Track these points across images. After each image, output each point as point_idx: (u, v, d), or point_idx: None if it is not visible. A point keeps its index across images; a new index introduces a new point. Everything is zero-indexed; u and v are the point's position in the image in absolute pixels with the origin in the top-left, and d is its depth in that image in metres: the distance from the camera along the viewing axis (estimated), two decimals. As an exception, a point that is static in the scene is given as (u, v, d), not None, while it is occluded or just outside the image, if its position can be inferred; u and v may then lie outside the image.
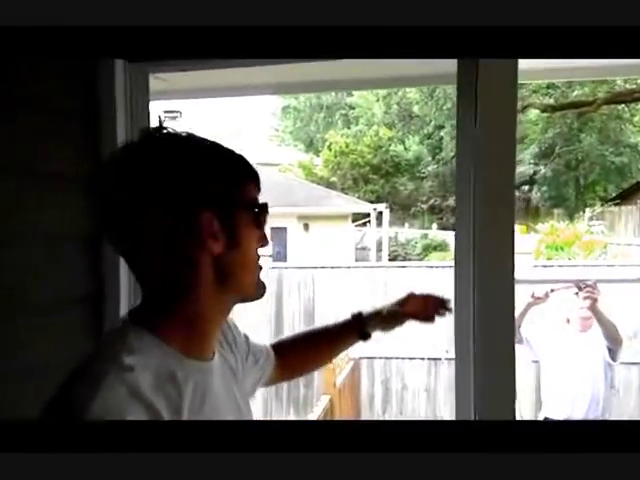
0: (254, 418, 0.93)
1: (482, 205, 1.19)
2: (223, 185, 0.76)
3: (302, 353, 1.17)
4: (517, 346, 3.22)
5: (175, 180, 0.73)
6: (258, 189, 0.82)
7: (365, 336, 1.16)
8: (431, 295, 1.22)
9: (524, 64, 1.58)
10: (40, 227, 1.24)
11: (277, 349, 1.10)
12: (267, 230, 0.84)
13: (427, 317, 1.20)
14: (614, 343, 2.89)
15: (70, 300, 1.30)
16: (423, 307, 1.20)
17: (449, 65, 1.29)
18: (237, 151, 0.81)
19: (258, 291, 0.83)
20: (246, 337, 1.00)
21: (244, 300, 0.83)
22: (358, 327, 1.16)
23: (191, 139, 0.79)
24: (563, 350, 3.01)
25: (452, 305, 1.24)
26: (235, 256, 0.77)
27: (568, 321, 3.09)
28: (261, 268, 0.83)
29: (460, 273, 1.25)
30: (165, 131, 0.78)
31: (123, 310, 1.32)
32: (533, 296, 2.98)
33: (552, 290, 3.01)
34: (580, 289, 2.91)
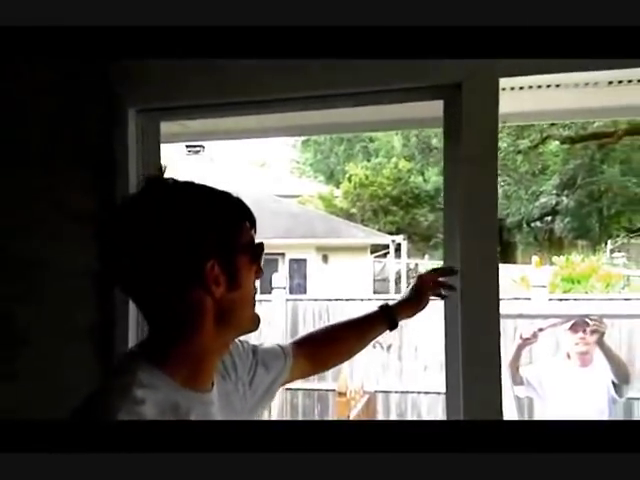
0: None
1: (468, 239, 1.26)
2: (223, 233, 0.82)
3: (332, 344, 1.22)
4: (520, 388, 3.14)
5: (179, 231, 0.79)
6: (255, 229, 0.88)
7: (393, 325, 1.23)
8: (436, 271, 1.29)
9: (534, 105, 1.66)
10: (55, 261, 1.34)
11: (305, 342, 1.16)
12: (261, 262, 0.90)
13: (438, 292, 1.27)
14: (621, 379, 2.82)
15: (81, 330, 1.39)
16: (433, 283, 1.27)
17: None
18: (233, 193, 0.87)
19: (254, 325, 0.89)
20: (254, 350, 1.05)
21: (241, 334, 0.91)
22: (386, 317, 1.22)
23: (190, 187, 0.84)
24: (566, 386, 2.94)
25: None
26: (235, 296, 0.83)
27: (569, 356, 3.02)
28: (255, 304, 0.89)
29: (449, 304, 1.31)
30: (166, 180, 0.85)
31: (131, 340, 1.40)
32: (521, 337, 2.94)
33: (540, 329, 2.96)
34: (586, 324, 2.89)
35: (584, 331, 2.90)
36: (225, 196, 0.85)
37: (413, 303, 1.24)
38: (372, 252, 13.31)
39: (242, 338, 1.00)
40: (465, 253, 1.26)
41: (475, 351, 1.24)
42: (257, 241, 0.88)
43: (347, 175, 17.97)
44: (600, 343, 2.83)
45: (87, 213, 1.40)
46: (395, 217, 17.66)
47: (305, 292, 11.46)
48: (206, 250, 0.80)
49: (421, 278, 1.28)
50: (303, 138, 21.03)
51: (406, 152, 18.26)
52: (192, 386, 0.83)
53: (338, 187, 18.73)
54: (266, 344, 1.10)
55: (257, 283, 0.90)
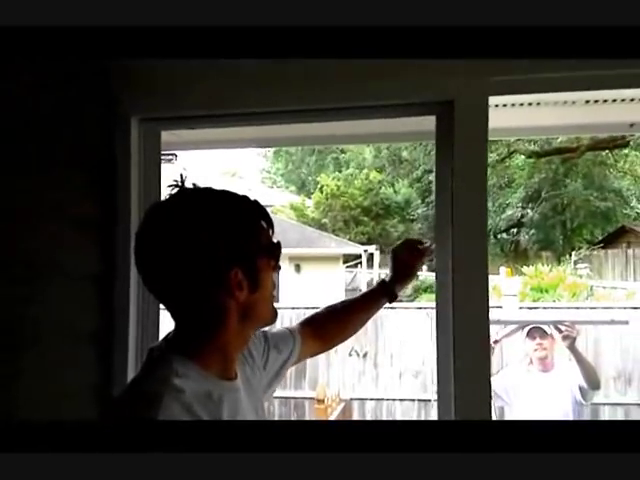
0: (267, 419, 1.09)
1: (459, 248, 1.32)
2: (244, 241, 0.88)
3: (337, 322, 1.32)
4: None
5: (204, 241, 0.84)
6: (272, 229, 0.94)
7: (393, 297, 1.34)
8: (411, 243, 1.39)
9: (505, 122, 1.74)
10: (57, 265, 1.36)
11: (311, 323, 1.26)
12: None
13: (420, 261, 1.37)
14: (592, 384, 2.88)
15: (84, 333, 1.40)
16: (413, 254, 1.37)
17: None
18: (249, 196, 0.92)
19: (273, 318, 0.97)
20: (264, 336, 1.13)
21: (261, 327, 0.99)
22: (385, 290, 1.34)
23: (212, 195, 0.89)
24: (531, 392, 2.98)
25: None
26: (256, 296, 0.90)
27: (531, 361, 3.08)
28: (274, 296, 0.96)
29: (441, 311, 1.37)
30: (190, 189, 0.90)
31: (132, 344, 1.42)
32: None
33: (495, 341, 3.07)
34: (543, 330, 2.97)
35: (541, 337, 2.98)
36: (243, 200, 0.91)
37: (401, 275, 1.36)
38: (344, 262, 13.39)
39: None
40: (456, 263, 1.32)
41: (466, 358, 1.29)
42: (274, 240, 0.94)
43: (318, 186, 18.08)
44: (571, 348, 2.89)
45: (88, 218, 1.42)
46: (366, 227, 17.81)
47: (277, 301, 11.45)
48: (229, 260, 0.86)
49: (396, 254, 1.37)
50: (275, 148, 21.04)
51: (377, 163, 18.49)
52: (221, 375, 0.90)
53: (309, 197, 18.81)
54: (275, 329, 1.18)
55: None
